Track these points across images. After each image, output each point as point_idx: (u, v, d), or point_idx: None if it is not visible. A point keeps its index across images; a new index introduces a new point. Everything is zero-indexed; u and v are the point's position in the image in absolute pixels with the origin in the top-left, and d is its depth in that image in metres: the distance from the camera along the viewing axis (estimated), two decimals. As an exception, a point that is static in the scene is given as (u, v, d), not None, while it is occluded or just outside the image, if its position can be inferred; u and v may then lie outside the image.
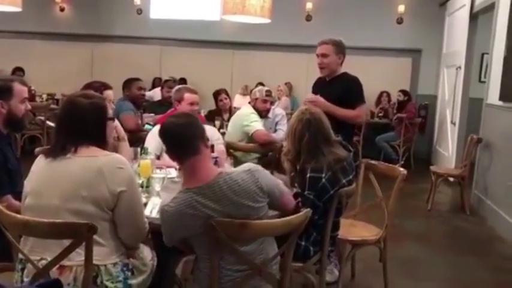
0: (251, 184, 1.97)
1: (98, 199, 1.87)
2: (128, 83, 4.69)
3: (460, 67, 6.50)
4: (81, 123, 1.97)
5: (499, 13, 5.23)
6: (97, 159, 1.92)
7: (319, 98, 3.38)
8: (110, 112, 2.13)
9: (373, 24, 8.15)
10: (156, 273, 2.19)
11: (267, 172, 2.09)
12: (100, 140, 2.01)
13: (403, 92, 7.99)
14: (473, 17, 6.31)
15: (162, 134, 2.06)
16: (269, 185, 2.03)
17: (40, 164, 1.98)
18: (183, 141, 1.99)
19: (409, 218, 4.92)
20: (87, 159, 1.91)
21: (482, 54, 7.71)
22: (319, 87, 3.62)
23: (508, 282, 3.68)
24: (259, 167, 2.06)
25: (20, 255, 1.93)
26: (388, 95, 8.31)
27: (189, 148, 1.98)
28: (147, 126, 4.44)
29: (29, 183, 1.98)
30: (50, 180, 1.91)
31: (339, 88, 3.42)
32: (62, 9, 9.09)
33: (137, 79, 4.78)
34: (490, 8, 5.59)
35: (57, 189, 1.88)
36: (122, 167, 1.94)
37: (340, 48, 3.49)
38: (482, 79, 7.62)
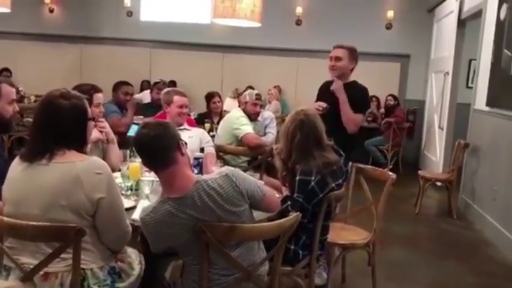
0: (230, 189, 1.94)
1: (77, 207, 1.83)
2: (116, 87, 4.71)
3: (448, 73, 6.57)
4: (62, 127, 1.90)
5: (486, 20, 5.30)
6: (74, 165, 1.85)
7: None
8: (89, 111, 2.06)
9: (362, 29, 8.19)
10: (144, 276, 2.17)
11: (245, 175, 2.06)
12: (80, 143, 1.96)
13: (393, 96, 8.06)
14: (461, 23, 6.38)
15: (135, 146, 2.02)
16: (248, 188, 2.00)
17: (17, 169, 1.92)
18: (156, 154, 1.95)
19: (397, 222, 4.95)
20: (64, 166, 1.84)
21: (470, 60, 7.80)
22: (325, 91, 3.60)
23: (494, 285, 3.72)
24: (237, 170, 2.03)
25: (5, 262, 1.90)
26: (377, 99, 8.36)
27: (164, 160, 1.93)
28: (133, 127, 4.39)
29: (6, 190, 1.92)
30: (28, 189, 1.85)
31: (347, 95, 3.43)
32: (51, 11, 9.02)
33: (125, 83, 4.76)
34: (478, 15, 5.66)
35: (35, 198, 1.83)
36: (99, 172, 1.87)
37: (354, 55, 3.53)
38: (470, 85, 7.71)
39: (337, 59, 3.49)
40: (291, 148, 2.52)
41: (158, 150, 1.94)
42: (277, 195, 2.58)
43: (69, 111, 1.92)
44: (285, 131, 2.56)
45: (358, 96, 3.48)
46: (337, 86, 3.42)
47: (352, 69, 3.57)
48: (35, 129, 1.95)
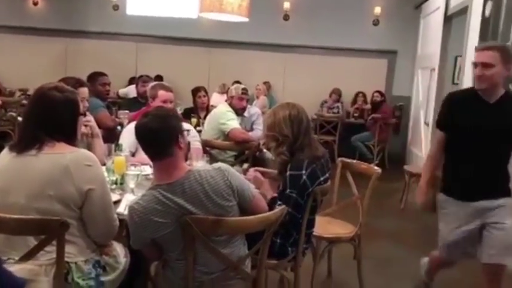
0: (221, 182, 1.96)
1: (65, 198, 1.83)
2: (91, 79, 4.45)
3: (434, 69, 6.62)
4: (55, 118, 1.92)
5: (472, 16, 5.34)
6: (63, 156, 1.85)
7: None
8: (81, 107, 2.08)
9: (349, 25, 8.21)
10: (129, 270, 2.16)
11: (237, 173, 2.08)
12: (72, 136, 1.97)
13: (379, 92, 8.10)
14: (447, 19, 6.42)
15: (136, 135, 2.01)
16: (239, 186, 2.01)
17: (5, 159, 1.91)
18: (155, 146, 1.96)
19: (383, 216, 4.99)
20: (53, 157, 1.85)
21: (456, 57, 7.86)
22: (474, 110, 2.70)
23: (479, 281, 3.75)
24: (230, 168, 2.05)
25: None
26: (364, 95, 8.40)
27: (160, 153, 1.94)
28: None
29: None
30: (16, 179, 1.85)
31: (506, 111, 2.60)
32: (35, 3, 8.89)
33: (101, 74, 4.60)
34: (464, 11, 5.69)
35: (23, 188, 1.82)
36: (89, 164, 1.88)
37: (508, 57, 2.56)
38: (456, 81, 7.77)
39: (485, 65, 2.57)
40: (299, 133, 2.46)
41: (156, 143, 1.95)
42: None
43: (62, 103, 1.94)
44: (287, 118, 2.46)
45: None
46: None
47: (506, 77, 2.63)
48: (27, 120, 1.97)
